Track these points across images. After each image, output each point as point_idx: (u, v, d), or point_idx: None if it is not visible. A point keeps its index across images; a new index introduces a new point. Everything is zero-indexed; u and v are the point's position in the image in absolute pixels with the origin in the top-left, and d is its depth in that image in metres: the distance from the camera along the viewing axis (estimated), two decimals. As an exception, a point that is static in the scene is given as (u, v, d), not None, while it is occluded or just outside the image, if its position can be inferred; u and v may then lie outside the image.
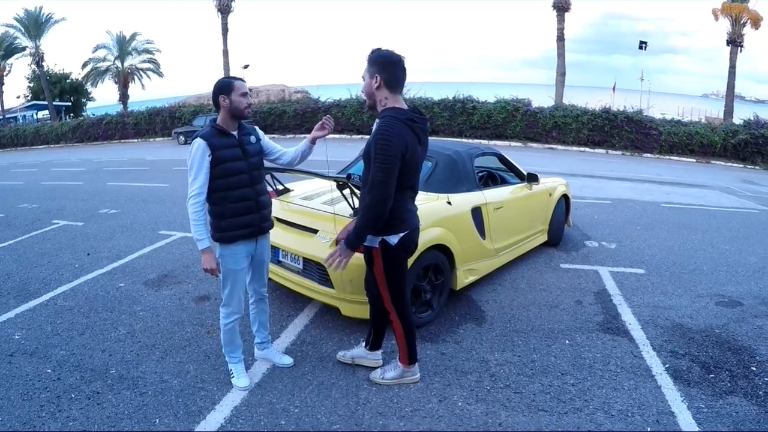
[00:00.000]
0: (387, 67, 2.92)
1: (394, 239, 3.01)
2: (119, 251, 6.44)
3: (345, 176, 3.69)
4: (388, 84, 2.93)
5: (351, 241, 2.96)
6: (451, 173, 4.79)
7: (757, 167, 19.39)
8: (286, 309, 4.56)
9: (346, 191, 3.81)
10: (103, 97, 46.05)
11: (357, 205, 3.87)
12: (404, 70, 2.96)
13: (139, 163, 17.14)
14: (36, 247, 6.77)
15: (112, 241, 6.93)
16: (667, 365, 3.73)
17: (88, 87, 41.94)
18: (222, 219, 3.12)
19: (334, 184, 3.91)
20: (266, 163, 3.44)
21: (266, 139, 3.39)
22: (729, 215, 9.38)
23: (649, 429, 3.00)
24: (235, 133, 3.16)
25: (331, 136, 3.42)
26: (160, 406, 3.16)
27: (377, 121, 2.95)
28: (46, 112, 40.56)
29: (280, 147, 3.47)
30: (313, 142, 3.39)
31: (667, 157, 20.86)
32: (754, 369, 3.71)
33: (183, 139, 25.30)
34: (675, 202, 10.34)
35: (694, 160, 20.31)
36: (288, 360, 3.64)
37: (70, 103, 44.42)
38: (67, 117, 39.78)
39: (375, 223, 2.91)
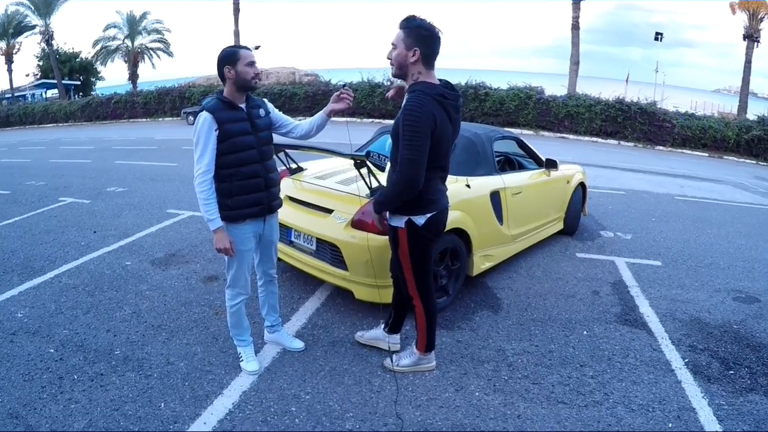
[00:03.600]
0: (428, 42, 2.75)
1: (420, 220, 2.88)
2: (126, 229, 6.35)
3: (364, 154, 3.56)
4: (426, 59, 2.77)
5: (375, 205, 2.97)
6: (470, 156, 4.65)
7: (770, 164, 19.12)
8: (296, 291, 4.46)
9: (364, 170, 3.68)
10: (113, 77, 45.77)
11: (375, 184, 3.76)
12: (440, 44, 2.80)
13: (148, 143, 17.02)
14: (42, 224, 6.69)
15: (119, 219, 6.84)
16: (686, 360, 3.62)
17: (98, 66, 41.71)
18: (229, 197, 2.95)
19: (350, 162, 3.79)
20: (279, 138, 3.30)
21: (276, 112, 3.23)
22: (743, 210, 9.21)
23: (670, 425, 2.90)
24: (242, 105, 2.99)
25: (339, 119, 3.24)
26: (166, 390, 3.06)
27: (407, 96, 2.80)
28: (56, 90, 40.29)
29: (292, 119, 3.30)
30: (329, 114, 3.18)
31: (680, 150, 20.57)
32: (774, 367, 3.60)
33: (192, 119, 25.14)
34: (689, 195, 10.17)
35: (707, 155, 20.02)
36: (299, 344, 3.53)
37: (79, 82, 44.18)
38: (77, 96, 39.62)
39: (402, 198, 2.80)
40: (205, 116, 2.83)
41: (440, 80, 2.86)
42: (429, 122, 2.66)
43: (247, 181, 2.96)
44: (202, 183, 2.85)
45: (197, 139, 2.83)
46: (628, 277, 5.18)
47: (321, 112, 3.22)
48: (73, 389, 3.05)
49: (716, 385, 3.33)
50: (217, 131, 2.84)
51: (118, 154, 13.93)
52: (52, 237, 6.08)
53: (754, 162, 19.30)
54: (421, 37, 2.74)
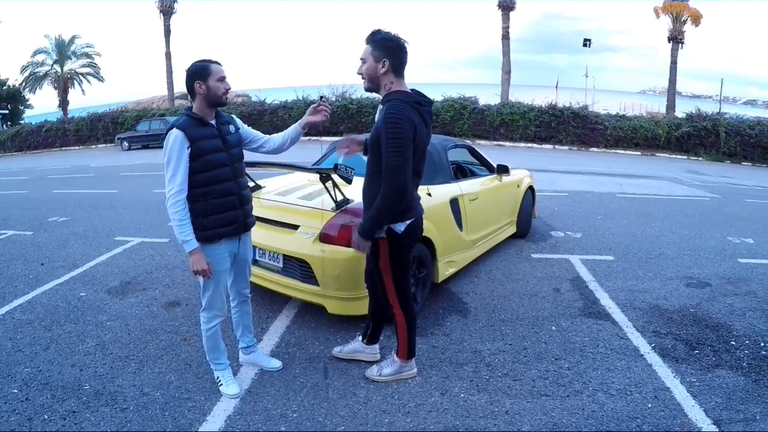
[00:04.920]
0: (395, 52, 2.83)
1: (400, 227, 2.92)
2: (75, 259, 6.08)
3: (331, 167, 3.56)
4: (395, 69, 2.85)
5: (366, 230, 2.87)
6: (428, 165, 4.72)
7: (700, 158, 20.27)
8: (264, 311, 4.38)
9: (329, 183, 3.68)
10: (42, 104, 43.56)
11: (340, 198, 3.77)
12: (407, 54, 2.88)
13: (84, 170, 16.38)
14: (-17, 260, 6.33)
15: (66, 250, 6.55)
16: (653, 344, 3.81)
17: (26, 94, 39.79)
18: (204, 216, 2.87)
19: (310, 177, 3.77)
20: (247, 154, 3.24)
21: (246, 127, 3.18)
22: (682, 203, 9.72)
23: (649, 405, 3.04)
24: (213, 122, 2.93)
25: (305, 137, 3.24)
26: (146, 422, 2.93)
27: (381, 106, 2.85)
28: (-17, 121, 38.36)
29: (262, 134, 3.26)
30: (304, 127, 3.17)
31: (613, 150, 21.53)
32: (734, 343, 3.85)
33: (127, 144, 24.46)
34: (629, 192, 10.64)
35: (640, 153, 21.02)
36: (276, 363, 3.47)
37: (7, 111, 42.05)
38: (4, 125, 37.73)
39: (394, 209, 2.81)
40: (176, 134, 2.75)
41: (411, 89, 2.92)
42: (410, 128, 2.72)
43: (222, 199, 2.90)
44: (176, 204, 2.76)
45: (168, 158, 2.74)
46: (585, 273, 5.38)
47: (296, 124, 3.20)
48: (45, 430, 2.88)
49: (684, 364, 3.52)
50: (189, 149, 2.76)
51: (55, 183, 13.34)
52: (-3, 272, 5.76)
53: (686, 157, 20.42)
54: (388, 49, 2.81)
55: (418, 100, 2.85)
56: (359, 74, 2.90)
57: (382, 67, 2.81)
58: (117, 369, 3.53)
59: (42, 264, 5.97)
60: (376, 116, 2.88)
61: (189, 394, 3.20)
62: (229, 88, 2.94)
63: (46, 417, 3.00)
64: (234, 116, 3.16)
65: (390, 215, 2.84)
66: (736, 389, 3.22)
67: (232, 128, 3.03)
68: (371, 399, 3.11)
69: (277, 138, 3.22)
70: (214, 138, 2.89)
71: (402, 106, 2.75)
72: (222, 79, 2.87)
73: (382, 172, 2.76)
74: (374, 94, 3.01)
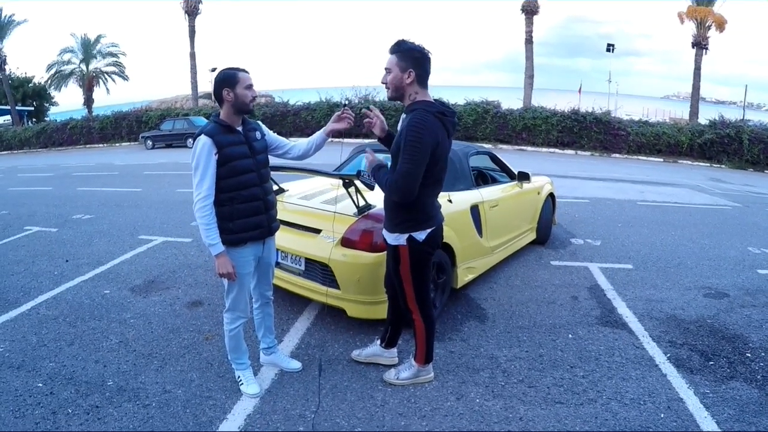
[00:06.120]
0: (421, 63, 2.88)
1: (421, 235, 2.97)
2: (99, 257, 6.22)
3: (354, 173, 3.62)
4: (421, 80, 2.90)
5: (370, 169, 3.03)
6: (449, 172, 4.78)
7: (723, 166, 19.99)
8: (284, 312, 4.46)
9: (351, 189, 3.74)
10: (67, 102, 44.35)
11: (362, 203, 3.83)
12: (431, 64, 2.93)
13: (108, 168, 16.67)
14: (10, 255, 6.49)
15: (90, 247, 6.70)
16: (668, 355, 3.81)
17: (52, 91, 40.57)
18: (230, 221, 2.95)
19: (332, 182, 3.83)
20: (272, 159, 3.31)
21: (271, 134, 3.25)
22: (703, 212, 9.62)
23: (662, 416, 3.05)
24: (240, 128, 3.01)
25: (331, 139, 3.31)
26: (168, 418, 3.02)
27: (404, 115, 2.90)
28: (8, 117, 38.96)
29: (288, 140, 3.33)
30: (328, 134, 3.25)
31: (635, 157, 21.31)
32: (749, 355, 3.84)
33: (151, 143, 24.75)
34: (650, 200, 10.55)
35: (662, 160, 20.79)
36: (296, 364, 3.54)
37: (32, 108, 42.81)
38: (30, 122, 38.48)
39: (389, 194, 2.93)
40: (204, 140, 2.83)
41: (435, 99, 2.97)
42: (431, 140, 2.77)
43: (247, 204, 2.98)
44: (203, 208, 2.85)
45: (197, 163, 2.83)
46: (603, 281, 5.37)
47: (320, 131, 3.27)
48: (69, 424, 2.97)
49: (699, 375, 3.53)
50: (217, 155, 2.84)
51: (80, 181, 13.59)
52: (23, 267, 5.91)
53: (708, 165, 20.14)
54: (414, 59, 2.86)
55: (441, 111, 2.89)
56: (383, 83, 2.96)
57: (408, 77, 2.87)
58: (140, 366, 3.62)
59: (67, 261, 6.13)
60: (399, 125, 2.93)
61: (210, 392, 3.28)
62: (256, 96, 3.01)
63: (69, 411, 3.10)
64: (260, 122, 3.23)
65: (383, 187, 2.97)
66: (750, 402, 3.22)
67: (258, 135, 3.10)
68: (388, 402, 3.17)
69: (302, 144, 3.30)
70: (241, 144, 2.97)
71: (426, 116, 2.81)
72: (249, 87, 2.93)
73: (395, 173, 2.84)
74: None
